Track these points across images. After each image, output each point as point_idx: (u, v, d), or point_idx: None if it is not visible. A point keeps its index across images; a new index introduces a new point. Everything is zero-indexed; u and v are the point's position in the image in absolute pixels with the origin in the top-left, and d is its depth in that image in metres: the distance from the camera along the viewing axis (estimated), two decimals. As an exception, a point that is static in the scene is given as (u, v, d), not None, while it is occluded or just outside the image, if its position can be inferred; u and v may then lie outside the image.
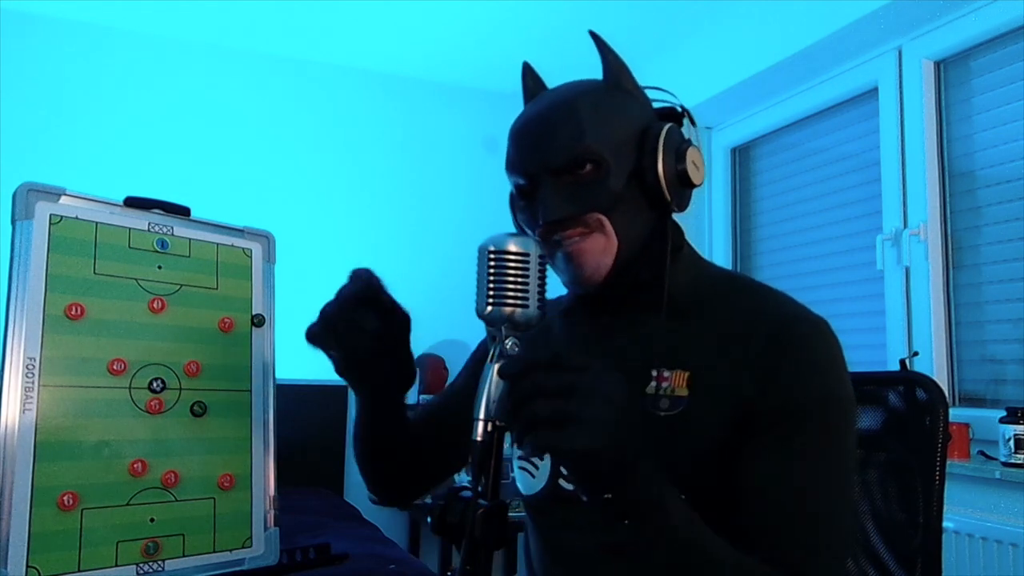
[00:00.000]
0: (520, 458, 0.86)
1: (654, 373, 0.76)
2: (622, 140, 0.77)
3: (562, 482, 0.81)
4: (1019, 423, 1.71)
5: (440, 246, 3.36)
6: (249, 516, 0.85)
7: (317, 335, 0.77)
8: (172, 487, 0.79)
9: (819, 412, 0.71)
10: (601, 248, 0.77)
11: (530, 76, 0.89)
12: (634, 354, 0.79)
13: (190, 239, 0.86)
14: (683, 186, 0.79)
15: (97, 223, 0.79)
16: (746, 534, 0.68)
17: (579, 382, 0.58)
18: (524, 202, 0.82)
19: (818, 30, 2.31)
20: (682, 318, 0.78)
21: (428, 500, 0.88)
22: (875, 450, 0.97)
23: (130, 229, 0.82)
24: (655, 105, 0.85)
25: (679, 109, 0.85)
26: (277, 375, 0.91)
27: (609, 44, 0.83)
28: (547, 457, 0.83)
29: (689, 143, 0.80)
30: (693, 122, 0.84)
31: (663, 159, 0.77)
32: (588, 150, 0.76)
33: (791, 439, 0.70)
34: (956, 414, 1.91)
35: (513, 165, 0.81)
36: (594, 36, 0.84)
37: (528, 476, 0.85)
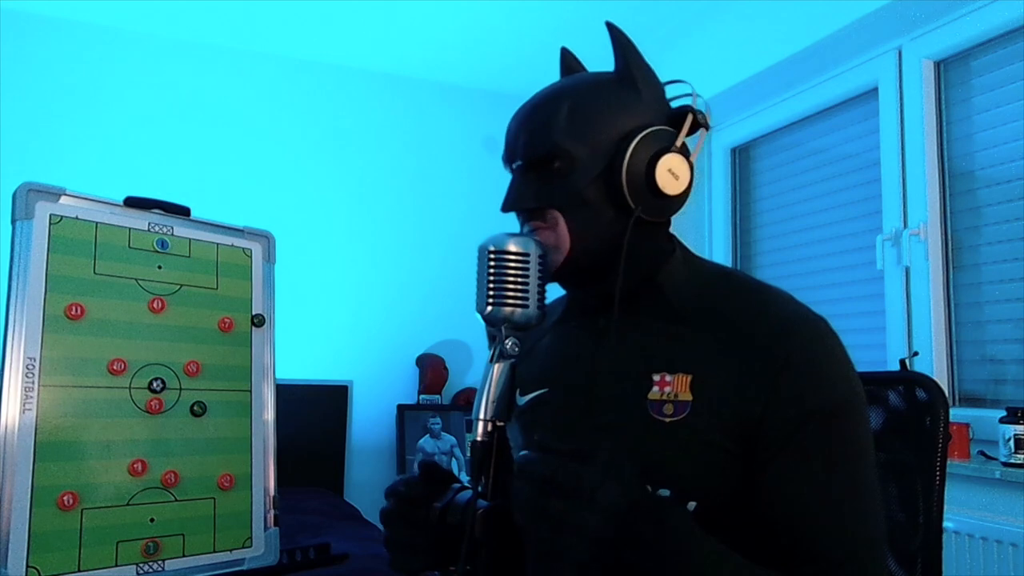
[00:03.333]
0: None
1: (656, 378, 0.75)
2: (602, 140, 0.76)
3: None
4: (1019, 423, 1.71)
5: (440, 246, 3.36)
6: (249, 516, 0.85)
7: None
8: (172, 487, 0.79)
9: (836, 416, 0.70)
10: (552, 244, 0.77)
11: (564, 63, 0.89)
12: (633, 358, 0.78)
13: (190, 239, 0.86)
14: (654, 195, 0.76)
15: (97, 223, 0.79)
16: (788, 553, 0.68)
17: (582, 478, 0.60)
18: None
19: (818, 30, 2.31)
20: (679, 321, 0.77)
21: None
22: (875, 450, 0.97)
23: (130, 229, 0.82)
24: (678, 102, 0.83)
25: (692, 110, 0.81)
26: (277, 375, 0.91)
27: (628, 37, 0.81)
28: None
29: (668, 149, 0.76)
30: (707, 127, 0.81)
31: (628, 163, 0.75)
32: (556, 147, 0.76)
33: (814, 449, 0.69)
34: (956, 414, 1.91)
35: (502, 150, 0.83)
36: (610, 28, 0.82)
37: None
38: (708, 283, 0.80)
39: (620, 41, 0.81)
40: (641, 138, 0.76)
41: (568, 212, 0.77)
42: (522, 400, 0.84)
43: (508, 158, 0.82)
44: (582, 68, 0.88)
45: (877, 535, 0.70)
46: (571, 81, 0.81)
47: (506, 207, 0.79)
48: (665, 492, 0.73)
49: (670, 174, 0.76)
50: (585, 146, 0.76)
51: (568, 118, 0.76)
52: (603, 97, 0.78)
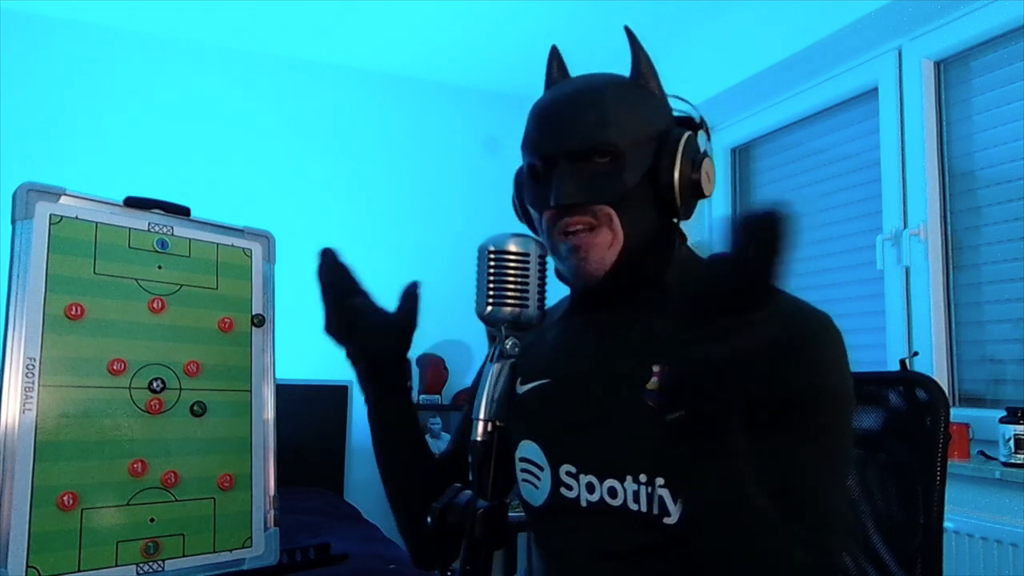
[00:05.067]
0: (523, 470, 0.85)
1: (655, 368, 0.76)
2: (642, 138, 0.78)
3: (563, 490, 0.81)
4: (1019, 423, 1.71)
5: (440, 246, 3.36)
6: (249, 516, 0.84)
7: (337, 325, 0.83)
8: (172, 487, 0.79)
9: (825, 406, 0.71)
10: (607, 243, 0.77)
11: (556, 62, 0.88)
12: (634, 350, 0.79)
13: (190, 239, 0.86)
14: (694, 195, 0.80)
15: (97, 223, 0.79)
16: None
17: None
18: (535, 182, 0.82)
19: (818, 30, 2.31)
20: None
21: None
22: (875, 450, 0.97)
23: (130, 229, 0.82)
24: (674, 113, 0.85)
25: (698, 119, 0.85)
26: (277, 375, 0.91)
27: (641, 43, 0.83)
28: (548, 467, 0.82)
29: (706, 154, 0.80)
30: (709, 135, 0.84)
31: (680, 165, 0.77)
32: (609, 140, 0.76)
33: (799, 432, 0.70)
34: (956, 414, 1.91)
35: (532, 145, 0.81)
36: (629, 33, 0.84)
37: (531, 487, 0.85)
38: (713, 278, 0.81)
39: (638, 47, 0.83)
40: (686, 140, 0.78)
41: (621, 209, 0.77)
42: (522, 389, 0.84)
43: (543, 151, 0.79)
44: (567, 69, 0.89)
45: (846, 513, 0.74)
46: (598, 80, 0.81)
47: (559, 201, 0.76)
48: (661, 480, 0.74)
49: (707, 177, 0.80)
50: (630, 142, 0.77)
51: (615, 114, 0.77)
52: (635, 97, 0.80)
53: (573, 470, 0.80)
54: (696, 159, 0.79)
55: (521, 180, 0.86)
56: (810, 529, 0.67)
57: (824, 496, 0.70)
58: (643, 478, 0.75)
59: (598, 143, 0.76)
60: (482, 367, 0.99)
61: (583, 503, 0.79)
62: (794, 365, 0.71)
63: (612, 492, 0.77)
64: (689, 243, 0.86)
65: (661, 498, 0.74)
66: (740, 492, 0.64)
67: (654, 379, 0.76)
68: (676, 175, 0.77)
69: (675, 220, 0.82)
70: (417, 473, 0.91)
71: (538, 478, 0.84)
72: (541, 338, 0.89)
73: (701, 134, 0.84)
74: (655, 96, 0.82)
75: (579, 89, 0.80)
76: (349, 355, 0.87)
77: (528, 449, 0.85)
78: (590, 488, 0.79)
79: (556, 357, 0.86)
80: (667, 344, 0.76)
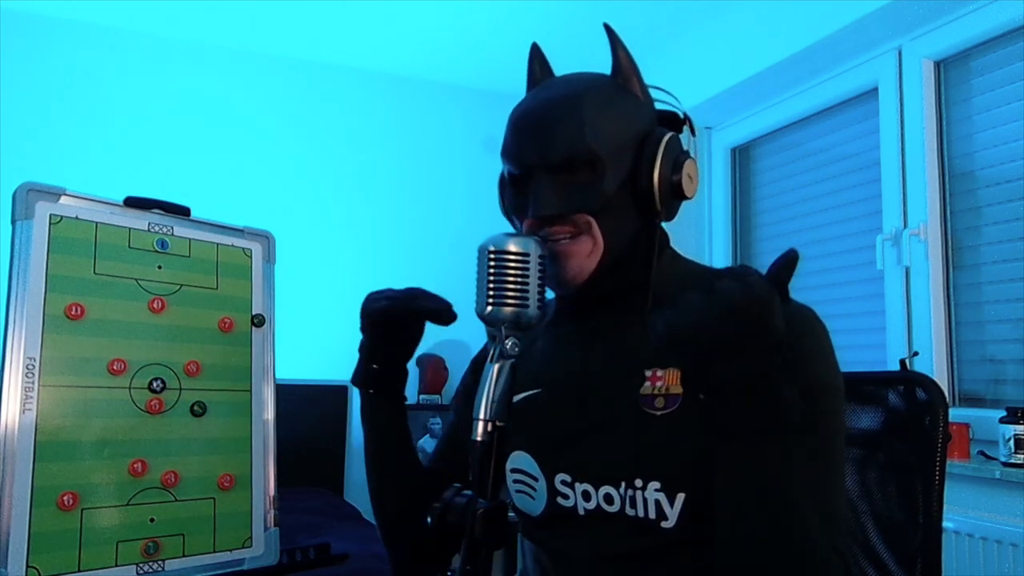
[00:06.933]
0: (516, 481, 0.85)
1: (647, 373, 0.76)
2: (622, 143, 0.77)
3: (559, 500, 0.81)
4: (1019, 423, 1.71)
5: (440, 246, 3.36)
6: (249, 516, 0.85)
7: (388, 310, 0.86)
8: (172, 487, 0.79)
9: (815, 400, 0.70)
10: (587, 251, 0.76)
11: (537, 61, 0.87)
12: (625, 355, 0.79)
13: (190, 239, 0.86)
14: (675, 197, 0.79)
15: (97, 223, 0.79)
16: None
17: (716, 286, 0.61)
18: (515, 190, 0.81)
19: (818, 30, 2.31)
20: None
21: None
22: (875, 450, 0.97)
23: (130, 229, 0.82)
24: (657, 106, 0.84)
25: (682, 115, 0.83)
26: (277, 375, 0.91)
27: (622, 40, 0.81)
28: (542, 478, 0.82)
29: (688, 155, 0.79)
30: (693, 131, 0.83)
31: (660, 168, 0.76)
32: (587, 150, 0.75)
33: (792, 435, 0.70)
34: (956, 414, 1.91)
35: (510, 153, 0.80)
36: (608, 30, 0.82)
37: (527, 498, 0.84)
38: (696, 280, 0.81)
39: (618, 46, 0.82)
40: (667, 142, 0.77)
41: (601, 216, 0.76)
42: (514, 399, 0.84)
43: (520, 160, 0.78)
44: (550, 66, 0.88)
45: (841, 510, 0.72)
46: (576, 82, 0.80)
47: (537, 213, 0.75)
48: (656, 483, 0.74)
49: (688, 178, 0.78)
50: (609, 149, 0.76)
51: (593, 120, 0.76)
52: (615, 100, 0.78)
53: (568, 479, 0.80)
54: (678, 160, 0.77)
55: (503, 185, 0.85)
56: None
57: (824, 499, 0.69)
58: (638, 483, 0.75)
59: (576, 153, 0.75)
60: (469, 368, 0.99)
61: (580, 511, 0.79)
62: (783, 369, 0.70)
63: (608, 499, 0.77)
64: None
65: (657, 502, 0.74)
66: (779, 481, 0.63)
67: (647, 384, 0.76)
68: (656, 178, 0.76)
69: (659, 221, 0.81)
70: (405, 477, 0.91)
71: (534, 489, 0.83)
72: (530, 347, 0.89)
73: (685, 132, 0.82)
74: (636, 96, 0.80)
75: (557, 95, 0.78)
76: (364, 344, 0.88)
77: (520, 460, 0.84)
78: (586, 496, 0.78)
79: (546, 366, 0.86)
80: (657, 351, 0.76)
